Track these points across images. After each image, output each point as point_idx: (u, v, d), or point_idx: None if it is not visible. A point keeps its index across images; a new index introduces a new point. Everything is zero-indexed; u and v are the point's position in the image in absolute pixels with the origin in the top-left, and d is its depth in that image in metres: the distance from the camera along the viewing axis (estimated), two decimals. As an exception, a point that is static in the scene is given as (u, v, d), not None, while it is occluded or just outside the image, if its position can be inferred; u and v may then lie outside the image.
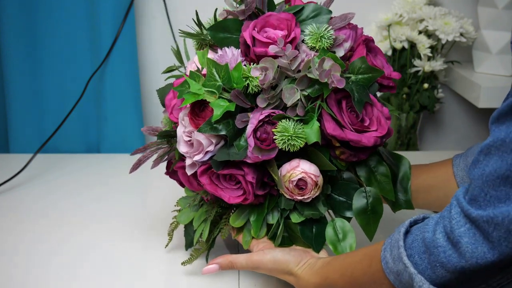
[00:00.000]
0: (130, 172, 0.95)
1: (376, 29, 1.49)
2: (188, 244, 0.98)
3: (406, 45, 1.44)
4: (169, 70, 0.95)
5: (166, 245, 0.99)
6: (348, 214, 0.87)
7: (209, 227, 0.92)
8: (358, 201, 0.86)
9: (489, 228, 0.59)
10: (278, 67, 0.81)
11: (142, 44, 1.51)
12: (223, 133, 0.81)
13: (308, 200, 0.85)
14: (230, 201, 0.85)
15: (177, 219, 0.96)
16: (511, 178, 0.58)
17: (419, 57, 1.44)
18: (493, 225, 0.59)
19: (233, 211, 0.91)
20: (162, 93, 0.93)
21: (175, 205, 0.98)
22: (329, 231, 0.86)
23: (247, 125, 0.82)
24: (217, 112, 0.79)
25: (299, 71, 0.82)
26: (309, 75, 0.81)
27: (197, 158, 0.83)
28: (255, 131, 0.82)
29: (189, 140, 0.84)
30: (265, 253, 0.85)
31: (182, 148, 0.85)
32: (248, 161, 0.82)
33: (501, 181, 0.59)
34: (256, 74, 0.81)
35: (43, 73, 1.46)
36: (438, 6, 1.46)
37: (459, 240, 0.61)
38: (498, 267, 0.61)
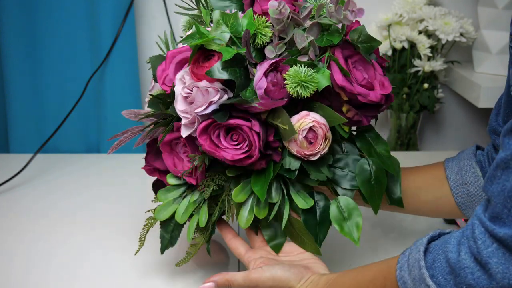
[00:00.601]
0: (109, 153, 0.91)
1: (376, 29, 1.49)
2: (165, 246, 0.89)
3: (406, 45, 1.44)
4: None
5: (136, 252, 0.92)
6: (350, 186, 0.84)
7: (206, 213, 0.86)
8: (362, 170, 0.84)
9: None
10: (289, 14, 0.79)
11: (142, 44, 1.51)
12: (231, 77, 0.77)
13: (316, 157, 0.82)
14: (233, 158, 0.80)
15: (154, 215, 0.88)
16: None
17: (419, 57, 1.44)
18: None
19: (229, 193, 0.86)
20: (155, 63, 0.88)
21: (153, 201, 0.90)
22: (333, 209, 0.83)
23: (253, 78, 0.79)
24: (227, 55, 0.76)
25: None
26: (321, 21, 0.80)
27: (199, 110, 0.79)
28: (265, 75, 0.78)
29: (188, 97, 0.80)
30: (264, 270, 0.79)
31: (180, 106, 0.80)
32: (259, 106, 0.78)
33: None
34: (275, 5, 0.79)
35: (43, 73, 1.46)
36: (438, 6, 1.46)
37: (488, 261, 0.59)
38: None
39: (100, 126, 1.49)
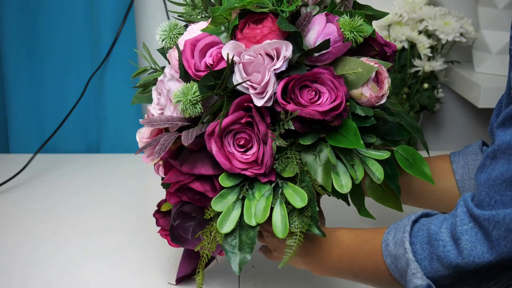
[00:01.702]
0: (160, 156, 0.77)
1: (376, 29, 1.48)
2: (242, 262, 0.76)
3: (406, 45, 1.44)
4: (141, 71, 0.90)
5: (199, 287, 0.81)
6: (399, 136, 0.84)
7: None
8: (403, 119, 0.85)
9: (490, 226, 0.59)
10: None
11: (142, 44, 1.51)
12: (296, 29, 0.76)
13: (384, 100, 0.81)
14: (324, 108, 0.74)
15: (217, 229, 0.76)
16: None
17: (419, 57, 1.44)
18: (494, 223, 0.59)
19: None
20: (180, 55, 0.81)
21: (205, 216, 0.78)
22: (398, 158, 0.82)
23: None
24: (291, 8, 0.76)
25: None
26: None
27: (277, 66, 0.75)
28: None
29: (251, 62, 0.75)
30: None
31: (245, 75, 0.75)
32: (334, 50, 0.77)
33: (507, 186, 0.59)
34: None
35: (43, 73, 1.46)
36: (438, 6, 1.46)
37: (460, 237, 0.61)
38: (494, 268, 0.60)
39: (100, 126, 1.49)
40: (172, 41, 0.86)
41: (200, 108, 0.77)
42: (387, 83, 0.81)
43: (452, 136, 1.63)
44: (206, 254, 0.80)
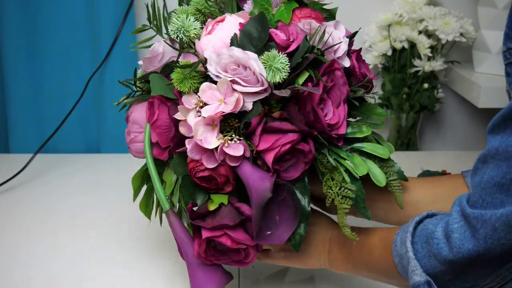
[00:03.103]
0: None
1: (376, 29, 1.49)
2: (365, 213, 0.82)
3: (406, 45, 1.44)
4: (140, 30, 0.90)
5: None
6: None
7: None
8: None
9: (478, 224, 0.62)
10: None
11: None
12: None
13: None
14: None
15: (344, 179, 0.81)
16: (506, 185, 0.61)
17: (419, 57, 1.44)
18: (481, 222, 0.62)
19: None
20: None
21: (321, 168, 0.81)
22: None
23: None
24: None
25: None
26: None
27: (344, 34, 0.83)
28: None
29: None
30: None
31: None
32: None
33: (497, 189, 0.62)
34: None
35: (43, 73, 1.46)
36: (438, 6, 1.46)
37: (451, 235, 0.64)
38: (484, 260, 0.63)
39: (100, 126, 1.49)
40: (196, 30, 0.83)
41: (286, 74, 0.78)
42: None
43: (452, 136, 1.63)
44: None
